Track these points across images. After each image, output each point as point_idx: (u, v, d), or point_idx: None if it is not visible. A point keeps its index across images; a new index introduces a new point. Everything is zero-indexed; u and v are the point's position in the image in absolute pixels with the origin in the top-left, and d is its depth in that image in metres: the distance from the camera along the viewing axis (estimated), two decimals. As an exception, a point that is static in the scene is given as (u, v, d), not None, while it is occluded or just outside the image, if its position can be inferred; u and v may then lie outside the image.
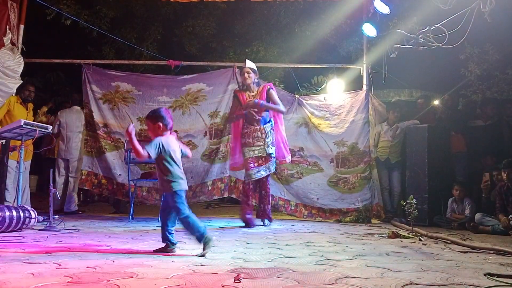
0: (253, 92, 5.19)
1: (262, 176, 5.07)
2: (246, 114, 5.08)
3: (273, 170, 5.23)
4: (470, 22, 4.58)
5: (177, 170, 3.02)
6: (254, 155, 5.04)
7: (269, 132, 5.11)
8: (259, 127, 5.08)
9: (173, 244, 2.98)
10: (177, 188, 2.97)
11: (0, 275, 2.11)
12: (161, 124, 3.04)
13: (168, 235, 2.99)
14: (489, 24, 4.44)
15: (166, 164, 2.98)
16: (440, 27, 4.96)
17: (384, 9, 5.52)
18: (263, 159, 5.07)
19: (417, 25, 5.96)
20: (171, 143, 3.05)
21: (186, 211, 2.93)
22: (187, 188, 3.07)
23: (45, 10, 6.95)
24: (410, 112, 6.69)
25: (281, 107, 5.25)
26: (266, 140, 5.06)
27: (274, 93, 5.21)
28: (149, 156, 2.88)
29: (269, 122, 5.17)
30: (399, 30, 5.60)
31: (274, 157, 5.17)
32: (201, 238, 2.87)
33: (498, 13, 4.53)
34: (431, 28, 5.08)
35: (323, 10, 7.95)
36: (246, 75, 5.15)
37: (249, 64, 5.25)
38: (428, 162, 5.68)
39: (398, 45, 5.62)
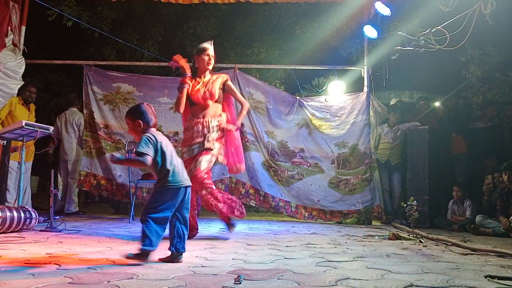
0: (203, 79, 4.15)
1: None
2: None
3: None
4: (471, 24, 4.58)
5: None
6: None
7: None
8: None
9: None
10: None
11: (1, 275, 2.12)
12: (141, 122, 2.73)
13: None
14: (490, 26, 4.44)
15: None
16: (441, 29, 4.96)
17: (385, 11, 5.53)
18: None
19: (418, 27, 5.96)
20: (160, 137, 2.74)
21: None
22: None
23: (47, 11, 6.96)
24: (411, 113, 6.69)
25: (245, 103, 4.27)
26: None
27: (233, 86, 4.32)
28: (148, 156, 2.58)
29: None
30: (400, 32, 5.60)
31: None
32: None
33: (499, 15, 4.53)
34: (432, 30, 5.08)
35: (324, 12, 7.96)
36: (211, 59, 4.21)
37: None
38: (428, 163, 5.67)
39: (399, 47, 5.62)
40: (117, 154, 2.64)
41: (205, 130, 3.98)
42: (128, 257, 2.52)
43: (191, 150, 3.96)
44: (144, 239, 2.58)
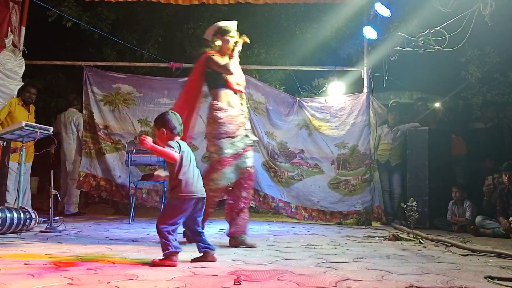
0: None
1: None
2: None
3: None
4: (470, 25, 4.59)
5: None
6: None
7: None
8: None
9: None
10: None
11: (1, 276, 2.11)
12: (165, 130, 2.76)
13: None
14: (489, 26, 4.45)
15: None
16: (441, 29, 4.97)
17: (384, 12, 5.54)
18: None
19: (417, 28, 5.96)
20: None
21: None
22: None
23: (47, 12, 6.96)
24: (409, 114, 6.70)
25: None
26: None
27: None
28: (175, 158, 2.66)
29: None
30: (399, 33, 5.61)
31: None
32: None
33: (499, 15, 4.53)
34: (432, 31, 5.09)
35: (323, 13, 7.96)
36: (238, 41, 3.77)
37: None
38: (428, 164, 5.68)
39: (399, 48, 5.63)
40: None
41: (245, 120, 3.67)
42: (155, 263, 2.54)
43: (235, 145, 3.55)
44: (166, 247, 2.60)
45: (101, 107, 6.30)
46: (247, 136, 3.64)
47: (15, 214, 3.91)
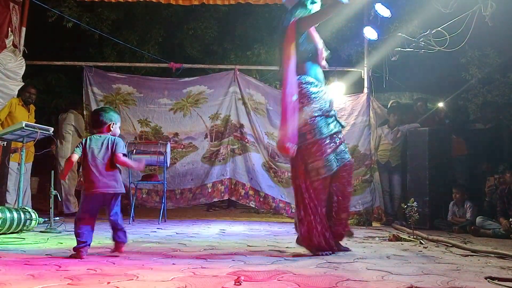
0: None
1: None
2: None
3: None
4: (471, 26, 4.59)
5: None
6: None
7: None
8: None
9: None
10: None
11: (1, 276, 2.11)
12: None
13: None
14: (490, 27, 4.45)
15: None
16: (441, 30, 4.97)
17: (385, 12, 5.53)
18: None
19: (418, 29, 5.97)
20: None
21: None
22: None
23: (47, 12, 6.96)
24: (409, 115, 6.69)
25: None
26: None
27: None
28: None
29: None
30: (400, 34, 5.60)
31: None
32: None
33: (499, 16, 4.53)
34: (432, 32, 5.09)
35: (324, 13, 7.96)
36: None
37: None
38: (428, 165, 5.67)
39: (399, 48, 5.63)
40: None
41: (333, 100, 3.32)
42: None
43: (329, 127, 3.21)
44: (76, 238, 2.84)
45: (101, 107, 6.30)
46: (338, 121, 3.30)
47: (15, 214, 3.92)
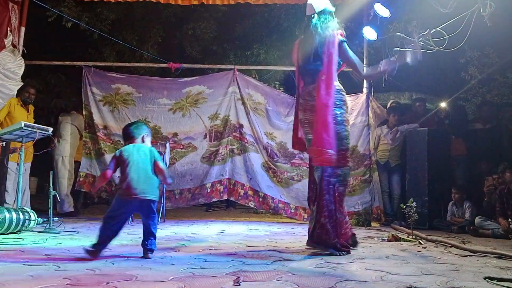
0: None
1: None
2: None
3: None
4: (470, 26, 4.59)
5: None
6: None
7: None
8: None
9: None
10: None
11: (0, 277, 2.11)
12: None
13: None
14: (489, 27, 4.44)
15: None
16: (440, 30, 4.97)
17: (384, 12, 5.53)
18: None
19: (417, 29, 5.96)
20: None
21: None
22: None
23: (46, 12, 6.95)
24: (408, 115, 6.70)
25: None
26: None
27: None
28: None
29: None
30: (399, 34, 5.60)
31: None
32: None
33: (498, 16, 4.53)
34: (431, 32, 5.09)
35: (323, 14, 7.96)
36: None
37: None
38: (428, 165, 5.67)
39: (398, 48, 5.63)
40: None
41: None
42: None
43: (348, 139, 3.43)
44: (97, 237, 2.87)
45: (101, 107, 6.29)
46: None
47: (14, 215, 3.91)
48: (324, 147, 3.15)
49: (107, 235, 2.85)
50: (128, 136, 3.15)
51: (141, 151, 3.02)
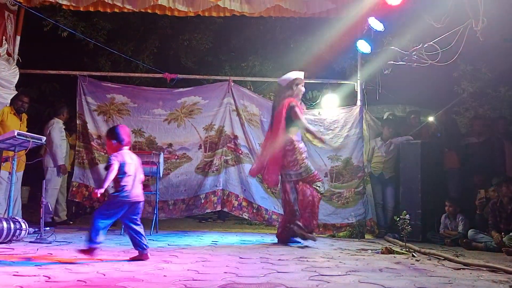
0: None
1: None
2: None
3: None
4: (462, 40, 4.65)
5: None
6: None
7: None
8: None
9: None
10: None
11: (-12, 288, 2.08)
12: (114, 141, 3.37)
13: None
14: (481, 42, 4.51)
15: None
16: (433, 44, 5.03)
17: (378, 26, 5.60)
18: None
19: (411, 42, 6.03)
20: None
21: None
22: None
23: (42, 21, 6.96)
24: (402, 127, 6.73)
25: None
26: None
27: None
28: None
29: None
30: (393, 47, 5.67)
31: None
32: None
33: (490, 31, 4.60)
34: (425, 46, 5.15)
35: (318, 27, 8.03)
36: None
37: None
38: (421, 178, 5.70)
39: (392, 62, 5.69)
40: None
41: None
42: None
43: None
44: (90, 237, 3.08)
45: (95, 117, 6.28)
46: None
47: (5, 224, 3.87)
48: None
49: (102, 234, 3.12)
50: (126, 141, 3.43)
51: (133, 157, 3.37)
